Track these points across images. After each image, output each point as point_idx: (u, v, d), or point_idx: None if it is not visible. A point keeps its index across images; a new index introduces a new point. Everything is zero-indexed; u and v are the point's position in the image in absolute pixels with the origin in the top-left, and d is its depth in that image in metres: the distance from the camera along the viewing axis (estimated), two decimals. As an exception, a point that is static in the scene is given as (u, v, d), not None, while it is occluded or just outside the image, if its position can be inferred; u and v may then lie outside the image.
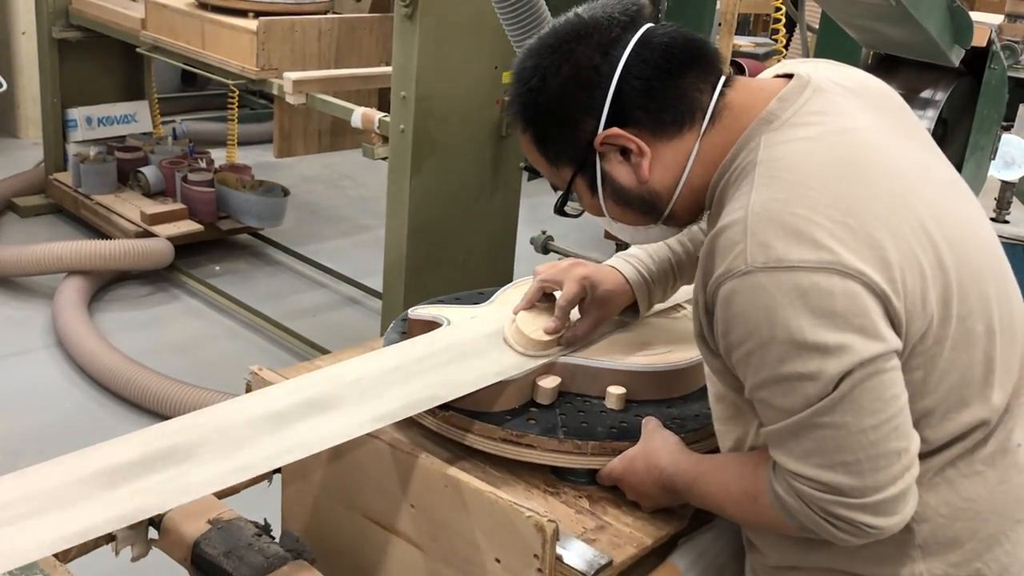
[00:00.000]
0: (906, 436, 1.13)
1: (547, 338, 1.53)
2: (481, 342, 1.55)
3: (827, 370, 1.09)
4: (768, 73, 1.37)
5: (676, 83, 1.23)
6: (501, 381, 1.46)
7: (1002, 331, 1.21)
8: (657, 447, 1.38)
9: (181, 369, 3.35)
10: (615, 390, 1.52)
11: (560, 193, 1.35)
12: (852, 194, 1.13)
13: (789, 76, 1.27)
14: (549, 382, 1.51)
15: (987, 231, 1.28)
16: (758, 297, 1.10)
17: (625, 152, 1.25)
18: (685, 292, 1.75)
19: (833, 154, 1.17)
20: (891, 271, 1.11)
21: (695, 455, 1.36)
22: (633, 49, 1.22)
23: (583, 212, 1.39)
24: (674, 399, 1.54)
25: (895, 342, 1.11)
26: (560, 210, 1.38)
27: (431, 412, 1.45)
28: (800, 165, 1.16)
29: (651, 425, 1.43)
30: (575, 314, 1.58)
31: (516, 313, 1.57)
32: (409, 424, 1.47)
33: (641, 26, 1.25)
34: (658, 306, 1.71)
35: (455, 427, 1.44)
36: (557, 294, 1.57)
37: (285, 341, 3.70)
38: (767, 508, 1.21)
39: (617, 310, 1.61)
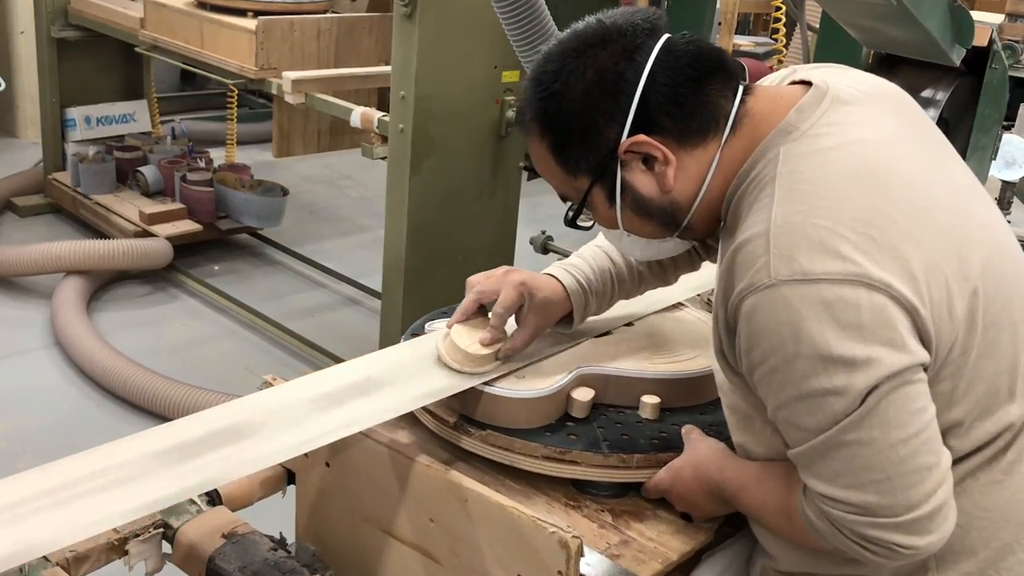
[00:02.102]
0: (936, 451, 1.10)
1: (484, 351, 1.45)
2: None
3: (854, 384, 1.06)
4: (783, 78, 1.34)
5: (702, 90, 1.21)
6: (540, 397, 1.43)
7: None
8: (704, 455, 1.35)
9: (180, 369, 3.34)
10: (650, 399, 1.48)
11: (570, 204, 1.31)
12: (874, 205, 1.11)
13: (805, 83, 1.26)
14: (584, 394, 1.46)
15: (1007, 235, 1.26)
16: (782, 311, 1.08)
17: (647, 161, 1.23)
18: (685, 288, 1.73)
19: (853, 165, 1.15)
20: (917, 282, 1.08)
21: (741, 463, 1.31)
22: (658, 56, 1.20)
23: (594, 224, 1.36)
24: (706, 404, 1.52)
25: (922, 355, 1.09)
26: (572, 221, 1.33)
27: (465, 431, 1.42)
28: (821, 177, 1.14)
29: (694, 434, 1.40)
30: (512, 325, 1.51)
31: (449, 327, 1.50)
32: (441, 442, 1.45)
33: (662, 34, 1.23)
34: (653, 303, 1.68)
35: (495, 447, 1.40)
36: (492, 309, 1.50)
37: (284, 341, 3.70)
38: (801, 528, 1.19)
39: (554, 319, 1.54)
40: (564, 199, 1.33)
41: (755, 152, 1.20)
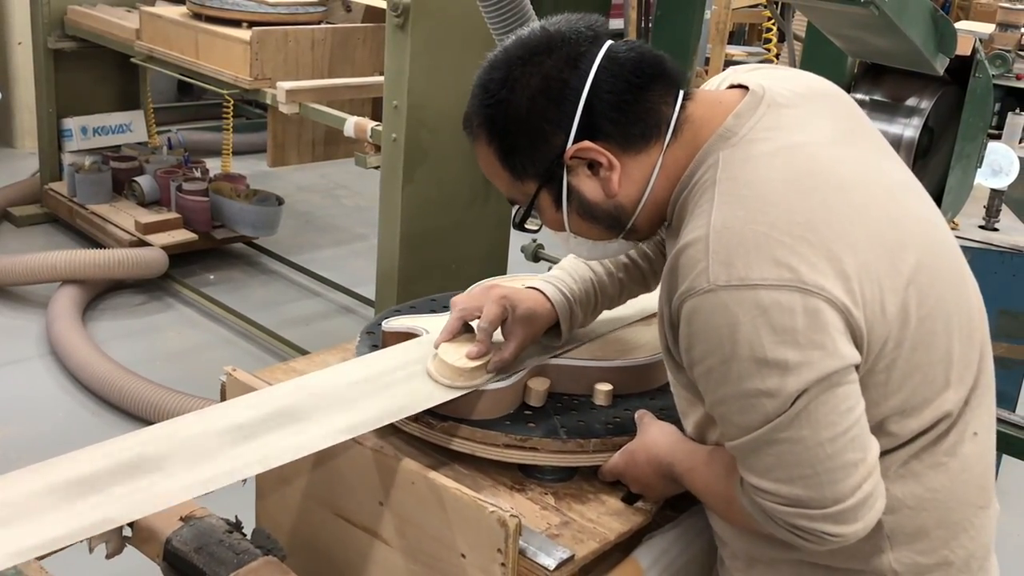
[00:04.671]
0: (863, 447, 1.15)
1: (472, 364, 1.47)
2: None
3: (786, 387, 1.11)
4: (721, 81, 1.38)
5: (645, 97, 1.24)
6: (500, 388, 1.47)
7: (960, 328, 1.24)
8: (655, 438, 1.40)
9: (175, 378, 3.36)
10: (603, 387, 1.54)
11: (518, 207, 1.34)
12: (810, 209, 1.15)
13: (744, 87, 1.29)
14: (540, 384, 1.52)
15: (942, 230, 1.30)
16: (720, 315, 1.12)
17: (592, 166, 1.26)
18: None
19: (790, 169, 1.19)
20: (850, 283, 1.13)
21: (690, 445, 1.36)
22: (601, 64, 1.23)
23: (542, 227, 1.39)
24: (656, 390, 1.58)
25: (852, 357, 1.13)
26: (520, 224, 1.37)
27: (427, 422, 1.45)
28: (758, 182, 1.18)
29: (646, 418, 1.45)
30: (498, 337, 1.53)
31: (437, 347, 1.51)
32: (393, 431, 1.48)
33: (604, 41, 1.26)
34: (640, 311, 1.71)
35: (456, 437, 1.44)
36: (477, 324, 1.52)
37: (279, 350, 3.71)
38: (741, 512, 1.24)
39: (540, 330, 1.56)
40: (512, 202, 1.36)
41: (696, 157, 1.24)
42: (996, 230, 3.05)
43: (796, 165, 1.20)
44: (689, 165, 1.25)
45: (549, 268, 1.69)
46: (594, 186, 1.27)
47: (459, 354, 1.49)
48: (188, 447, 1.29)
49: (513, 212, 1.36)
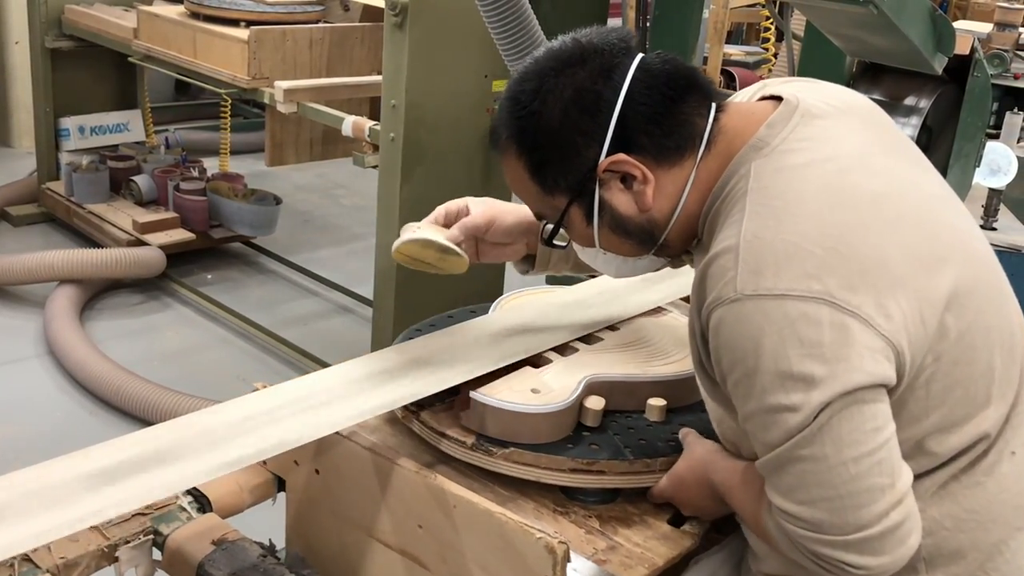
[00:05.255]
0: (891, 472, 1.10)
1: (444, 233, 1.47)
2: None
3: (809, 401, 1.08)
4: (754, 93, 1.36)
5: (679, 109, 1.22)
6: (559, 410, 1.42)
7: (1001, 343, 1.20)
8: (700, 458, 1.36)
9: (173, 378, 3.35)
10: (656, 402, 1.50)
11: (545, 223, 1.31)
12: (842, 221, 1.13)
13: (776, 98, 1.27)
14: (596, 403, 1.47)
15: (981, 242, 1.27)
16: (746, 325, 1.10)
17: (625, 179, 1.23)
18: (667, 293, 1.75)
19: (823, 181, 1.17)
20: (881, 297, 1.10)
21: (731, 463, 1.32)
22: (634, 75, 1.21)
23: (569, 243, 1.37)
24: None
25: (882, 376, 1.10)
26: (549, 240, 1.34)
27: (487, 451, 1.41)
28: (791, 193, 1.16)
29: (690, 437, 1.41)
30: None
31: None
32: (423, 444, 1.46)
33: (637, 53, 1.24)
34: (635, 306, 1.69)
35: (519, 463, 1.40)
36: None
37: (277, 349, 3.71)
38: (767, 536, 1.22)
39: (516, 235, 1.54)
40: (539, 217, 1.33)
41: (728, 168, 1.22)
42: (994, 229, 3.05)
43: (829, 177, 1.17)
44: (721, 177, 1.22)
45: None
46: (627, 200, 1.25)
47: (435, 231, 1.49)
48: (45, 494, 1.21)
49: (541, 228, 1.33)
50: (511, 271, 3.41)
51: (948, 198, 1.29)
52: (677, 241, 1.30)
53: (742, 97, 1.38)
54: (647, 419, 1.50)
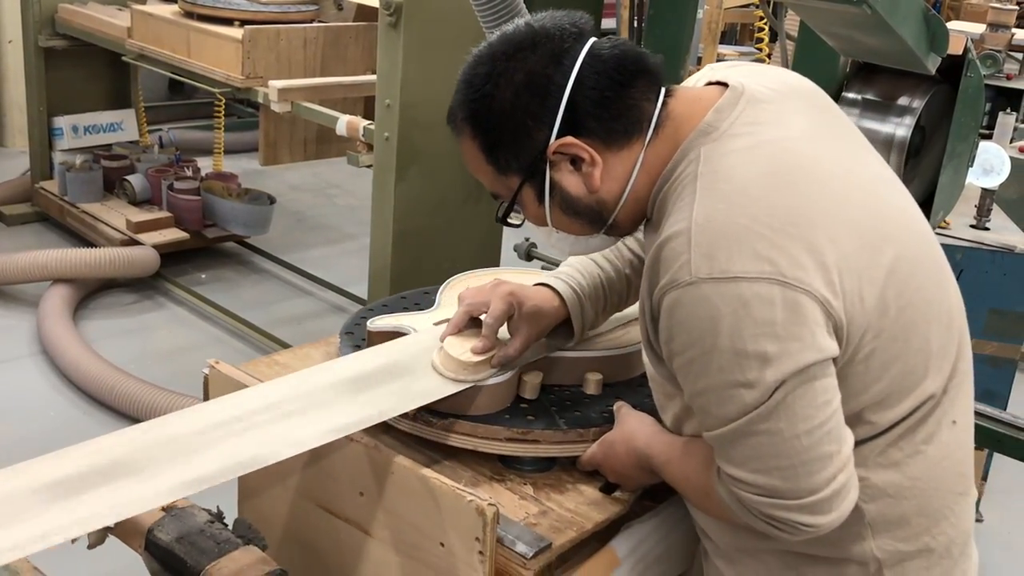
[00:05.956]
0: (838, 439, 1.17)
1: (477, 359, 1.47)
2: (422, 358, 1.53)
3: (765, 378, 1.12)
4: (701, 79, 1.39)
5: (627, 93, 1.26)
6: (498, 383, 1.47)
7: (939, 318, 1.26)
8: (633, 429, 1.42)
9: (166, 377, 3.35)
10: (593, 376, 1.56)
11: (501, 202, 1.35)
12: (790, 202, 1.17)
13: (723, 83, 1.30)
14: (534, 377, 1.53)
15: (920, 222, 1.32)
16: (702, 307, 1.14)
17: (575, 161, 1.27)
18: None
19: (770, 164, 1.21)
20: (830, 274, 1.14)
21: (668, 437, 1.38)
22: (584, 60, 1.24)
23: (524, 222, 1.40)
24: (643, 376, 1.56)
25: (830, 349, 1.15)
26: (503, 219, 1.38)
27: (425, 420, 1.45)
28: (739, 176, 1.19)
29: (623, 409, 1.47)
30: (504, 334, 1.53)
31: (443, 340, 1.52)
32: (385, 429, 1.47)
33: (588, 38, 1.27)
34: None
35: (458, 434, 1.45)
36: (483, 319, 1.52)
37: (271, 349, 3.70)
38: (718, 503, 1.26)
39: (548, 326, 1.55)
40: (495, 197, 1.37)
41: (677, 153, 1.26)
42: (987, 229, 3.05)
43: (776, 159, 1.21)
44: (670, 161, 1.26)
45: (542, 267, 1.69)
46: (576, 181, 1.28)
47: (464, 348, 1.50)
48: (172, 447, 1.28)
49: (496, 206, 1.37)
50: (504, 266, 3.39)
51: (888, 177, 1.34)
52: (627, 221, 1.34)
53: (690, 83, 1.41)
54: (584, 392, 1.56)
